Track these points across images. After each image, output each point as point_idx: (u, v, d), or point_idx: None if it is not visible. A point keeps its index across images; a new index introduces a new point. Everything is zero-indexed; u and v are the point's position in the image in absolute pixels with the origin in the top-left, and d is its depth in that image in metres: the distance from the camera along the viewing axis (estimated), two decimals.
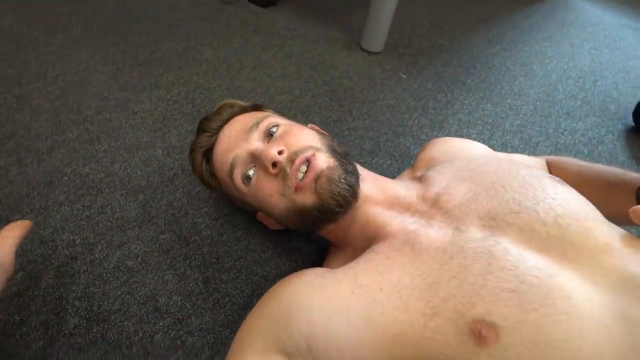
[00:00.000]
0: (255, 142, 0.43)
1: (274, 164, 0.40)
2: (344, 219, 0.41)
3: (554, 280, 0.30)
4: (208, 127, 0.49)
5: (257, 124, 0.45)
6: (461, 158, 0.47)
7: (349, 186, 0.39)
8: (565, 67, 1.08)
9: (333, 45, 1.02)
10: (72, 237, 0.53)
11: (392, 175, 0.66)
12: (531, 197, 0.36)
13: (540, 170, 0.48)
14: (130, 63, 0.84)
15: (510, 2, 1.44)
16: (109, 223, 0.55)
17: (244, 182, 0.44)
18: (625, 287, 0.30)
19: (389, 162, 0.72)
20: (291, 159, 0.39)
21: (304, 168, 0.39)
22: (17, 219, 0.53)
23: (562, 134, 0.84)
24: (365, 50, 1.01)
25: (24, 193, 0.57)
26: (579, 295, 0.29)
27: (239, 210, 0.59)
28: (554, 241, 0.33)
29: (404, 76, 0.95)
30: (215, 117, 0.49)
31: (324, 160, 0.40)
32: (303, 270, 0.40)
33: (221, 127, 0.48)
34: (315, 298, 0.34)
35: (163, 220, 0.57)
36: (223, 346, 0.46)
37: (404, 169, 0.70)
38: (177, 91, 0.79)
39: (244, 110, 0.50)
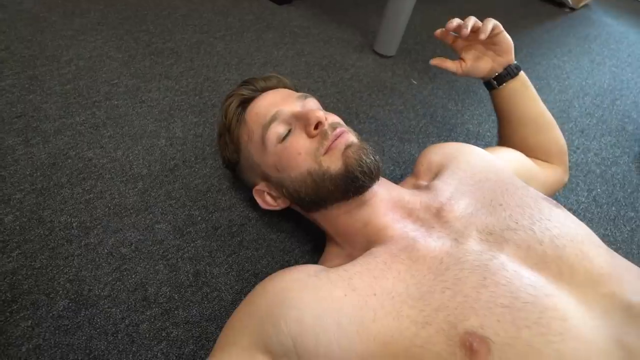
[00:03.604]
0: (300, 108, 0.46)
1: (317, 125, 0.42)
2: (351, 205, 0.42)
3: (550, 300, 0.30)
4: (254, 83, 0.51)
5: (305, 97, 0.48)
6: (462, 163, 0.47)
7: (376, 161, 0.41)
8: (584, 83, 1.05)
9: (345, 47, 1.01)
10: (69, 220, 0.54)
11: (394, 182, 0.64)
12: (527, 217, 0.37)
13: (535, 173, 0.55)
14: (142, 51, 0.85)
15: (531, 14, 1.41)
16: (107, 209, 0.56)
17: (276, 138, 0.45)
18: (620, 314, 0.30)
19: (391, 167, 0.71)
20: (333, 127, 0.44)
21: None
22: (18, 198, 0.55)
23: (575, 152, 0.82)
24: (378, 54, 1.00)
25: (28, 173, 0.58)
26: (574, 318, 0.29)
27: (236, 207, 0.59)
28: (549, 260, 0.33)
29: (415, 82, 0.93)
30: (262, 79, 0.52)
31: (356, 139, 0.44)
32: (295, 267, 0.40)
33: (266, 89, 0.51)
34: (307, 297, 0.34)
35: (160, 209, 0.57)
36: (207, 341, 0.46)
37: (407, 176, 0.69)
38: (185, 82, 0.80)
39: (289, 87, 0.53)
